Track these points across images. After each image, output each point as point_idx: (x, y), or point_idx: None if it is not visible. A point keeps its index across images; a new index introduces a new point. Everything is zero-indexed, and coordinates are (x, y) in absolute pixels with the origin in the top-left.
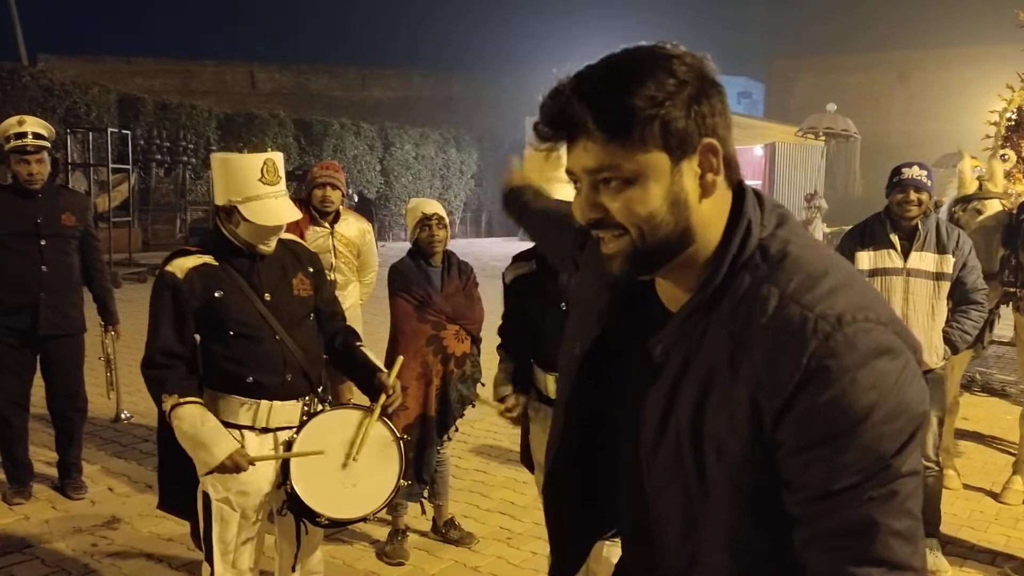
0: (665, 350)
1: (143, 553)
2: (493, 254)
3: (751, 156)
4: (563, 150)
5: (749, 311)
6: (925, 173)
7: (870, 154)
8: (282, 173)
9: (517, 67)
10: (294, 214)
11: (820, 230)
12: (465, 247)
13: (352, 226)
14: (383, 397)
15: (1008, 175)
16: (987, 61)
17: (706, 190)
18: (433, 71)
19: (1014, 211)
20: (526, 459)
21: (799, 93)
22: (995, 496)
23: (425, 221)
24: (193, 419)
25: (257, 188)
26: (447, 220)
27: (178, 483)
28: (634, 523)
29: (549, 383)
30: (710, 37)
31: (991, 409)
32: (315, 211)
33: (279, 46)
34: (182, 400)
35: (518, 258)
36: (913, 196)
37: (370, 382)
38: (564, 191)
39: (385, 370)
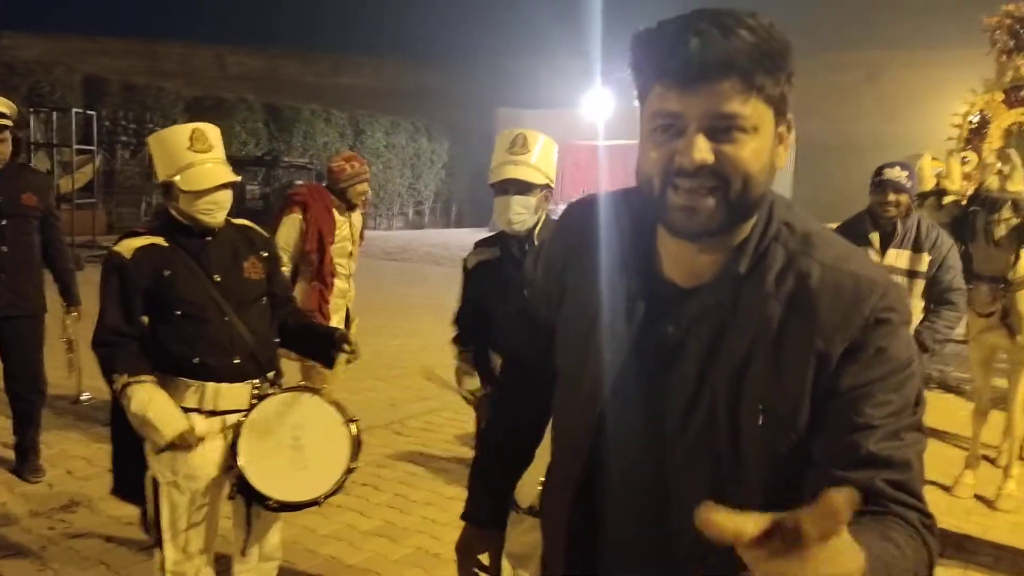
0: (686, 325)
1: (102, 536)
2: (463, 244)
3: None
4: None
5: (795, 279)
6: (906, 174)
7: (841, 154)
8: (215, 143)
9: (489, 58)
10: (228, 176)
11: None
12: (435, 237)
13: (358, 215)
14: (338, 365)
15: (968, 177)
16: (953, 64)
17: (779, 160)
18: (406, 60)
19: (964, 203)
20: None
21: None
22: (947, 489)
23: None
24: (142, 397)
25: (188, 157)
26: None
27: (130, 468)
28: (642, 506)
29: None
30: None
31: (947, 405)
32: (347, 203)
33: (249, 30)
34: (132, 379)
35: (481, 244)
36: (892, 197)
37: (330, 344)
38: (514, 171)
39: (343, 329)
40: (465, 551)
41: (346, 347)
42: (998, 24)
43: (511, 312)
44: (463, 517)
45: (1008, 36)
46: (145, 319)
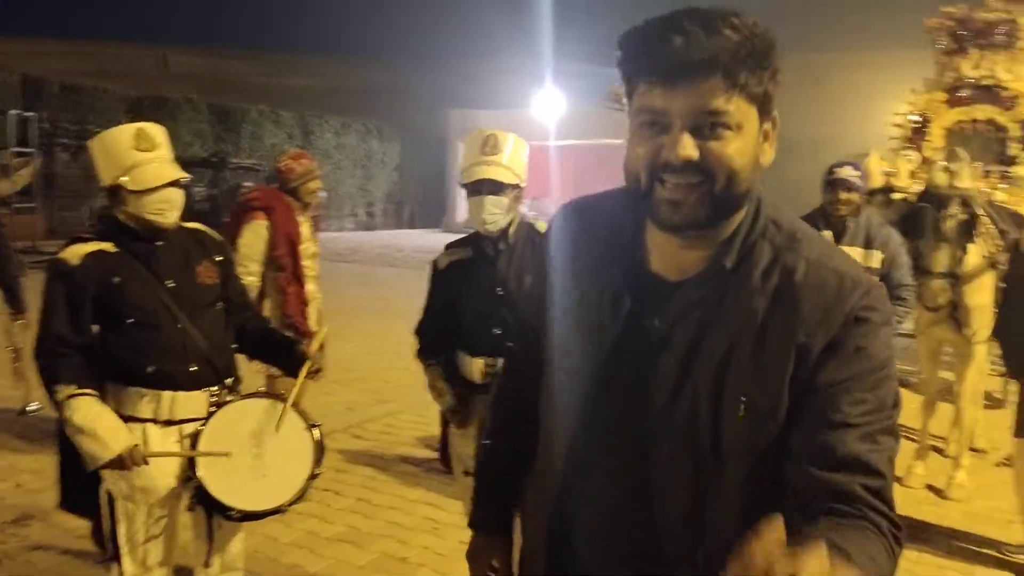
0: (672, 318)
1: (59, 549)
2: (415, 245)
3: None
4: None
5: (781, 275)
6: (858, 174)
7: (784, 156)
8: (161, 141)
9: (440, 59)
10: (177, 173)
11: None
12: (388, 239)
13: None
14: (296, 386)
15: (914, 174)
16: (896, 65)
17: (764, 157)
18: (355, 60)
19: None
20: (446, 459)
21: None
22: (898, 480)
23: None
24: (89, 410)
25: (133, 156)
26: None
27: (79, 481)
28: (624, 504)
29: (475, 368)
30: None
31: None
32: (301, 202)
33: (194, 29)
34: (78, 391)
35: (453, 245)
36: (843, 196)
37: (290, 356)
38: (486, 172)
39: (305, 341)
40: (475, 559)
41: (305, 368)
42: (938, 26)
43: (485, 313)
44: (470, 525)
45: (948, 37)
46: (95, 328)
